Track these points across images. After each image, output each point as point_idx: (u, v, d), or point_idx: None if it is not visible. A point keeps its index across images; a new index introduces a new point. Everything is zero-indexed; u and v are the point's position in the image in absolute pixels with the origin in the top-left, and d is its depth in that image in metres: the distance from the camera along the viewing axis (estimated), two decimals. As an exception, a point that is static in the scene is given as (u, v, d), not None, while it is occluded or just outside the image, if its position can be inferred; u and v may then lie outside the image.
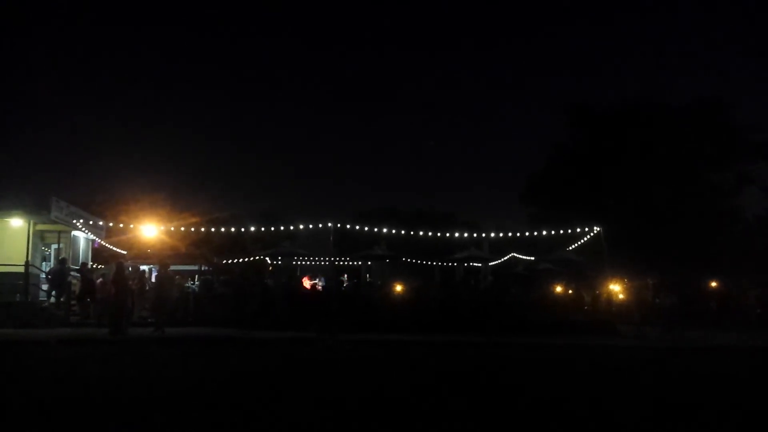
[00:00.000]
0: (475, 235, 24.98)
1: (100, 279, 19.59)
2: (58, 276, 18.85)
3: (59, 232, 20.92)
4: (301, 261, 29.94)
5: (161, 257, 19.86)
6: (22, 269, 18.31)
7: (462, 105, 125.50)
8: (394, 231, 24.06)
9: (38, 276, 19.75)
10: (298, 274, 27.79)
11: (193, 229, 23.31)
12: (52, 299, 19.16)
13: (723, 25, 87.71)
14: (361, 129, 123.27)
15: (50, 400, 6.98)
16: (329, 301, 18.80)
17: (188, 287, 23.20)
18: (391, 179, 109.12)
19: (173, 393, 7.80)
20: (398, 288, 25.46)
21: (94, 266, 21.83)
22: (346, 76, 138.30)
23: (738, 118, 37.16)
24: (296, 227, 22.69)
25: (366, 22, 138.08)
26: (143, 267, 21.83)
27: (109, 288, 17.07)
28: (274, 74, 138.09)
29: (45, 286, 19.52)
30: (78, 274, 19.54)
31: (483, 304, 19.86)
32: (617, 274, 27.87)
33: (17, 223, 19.39)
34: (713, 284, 34.67)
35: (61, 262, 19.32)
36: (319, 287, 24.36)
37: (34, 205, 19.22)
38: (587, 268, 26.42)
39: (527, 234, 24.72)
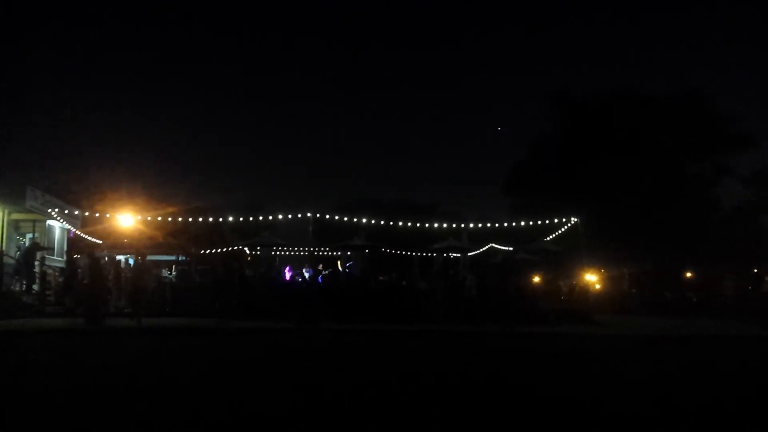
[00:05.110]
0: (453, 225, 25.02)
1: (79, 270, 19.44)
2: (25, 262, 18.69)
3: (34, 221, 20.71)
4: (280, 251, 29.86)
5: (138, 247, 19.71)
6: (-4, 259, 18.11)
7: (447, 99, 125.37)
8: (373, 221, 24.07)
9: (13, 266, 19.52)
10: (277, 264, 27.68)
11: (170, 219, 23.16)
12: (33, 287, 18.94)
13: (701, 16, 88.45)
14: (344, 121, 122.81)
15: (27, 391, 6.94)
16: (309, 291, 18.82)
17: (166, 277, 23.07)
18: (375, 172, 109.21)
19: (152, 382, 7.80)
20: (378, 278, 25.46)
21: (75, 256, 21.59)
22: (329, 70, 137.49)
23: (716, 108, 37.61)
24: (275, 217, 22.62)
25: (360, 20, 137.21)
26: (119, 257, 21.60)
27: (84, 278, 16.96)
28: (255, 68, 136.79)
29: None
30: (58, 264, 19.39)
31: (460, 294, 20.00)
32: (594, 264, 28.17)
33: (-9, 212, 19.17)
34: (689, 274, 35.19)
35: (31, 247, 19.20)
36: (306, 276, 24.20)
37: (8, 193, 18.99)
38: (565, 258, 26.63)
39: (505, 224, 24.83)
